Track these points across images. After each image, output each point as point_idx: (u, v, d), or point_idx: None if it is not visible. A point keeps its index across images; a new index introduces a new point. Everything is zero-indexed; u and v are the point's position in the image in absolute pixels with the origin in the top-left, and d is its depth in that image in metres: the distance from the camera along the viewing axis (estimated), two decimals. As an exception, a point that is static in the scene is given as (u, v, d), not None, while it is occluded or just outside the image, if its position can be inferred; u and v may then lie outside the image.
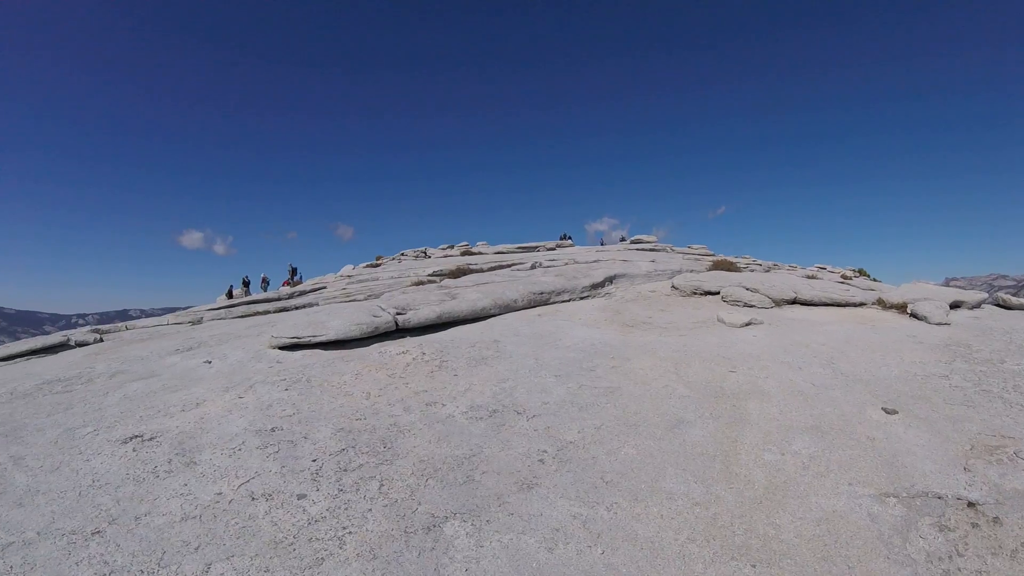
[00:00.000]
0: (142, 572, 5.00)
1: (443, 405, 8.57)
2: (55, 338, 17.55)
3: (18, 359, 16.27)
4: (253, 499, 5.94)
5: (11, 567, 5.32)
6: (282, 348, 11.98)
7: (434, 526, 5.71)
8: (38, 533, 5.73)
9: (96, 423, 8.11)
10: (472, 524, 5.77)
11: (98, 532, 5.59)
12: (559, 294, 18.23)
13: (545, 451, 7.24)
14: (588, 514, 6.00)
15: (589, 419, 8.09)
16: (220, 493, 6.08)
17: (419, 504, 6.05)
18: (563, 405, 8.55)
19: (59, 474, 6.83)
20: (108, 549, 5.33)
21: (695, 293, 18.77)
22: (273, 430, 7.48)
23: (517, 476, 6.68)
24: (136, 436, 7.50)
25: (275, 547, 5.24)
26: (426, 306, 14.34)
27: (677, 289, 19.40)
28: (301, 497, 6.02)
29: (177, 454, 6.99)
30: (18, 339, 22.49)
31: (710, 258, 29.05)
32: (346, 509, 5.90)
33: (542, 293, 17.78)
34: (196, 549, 5.21)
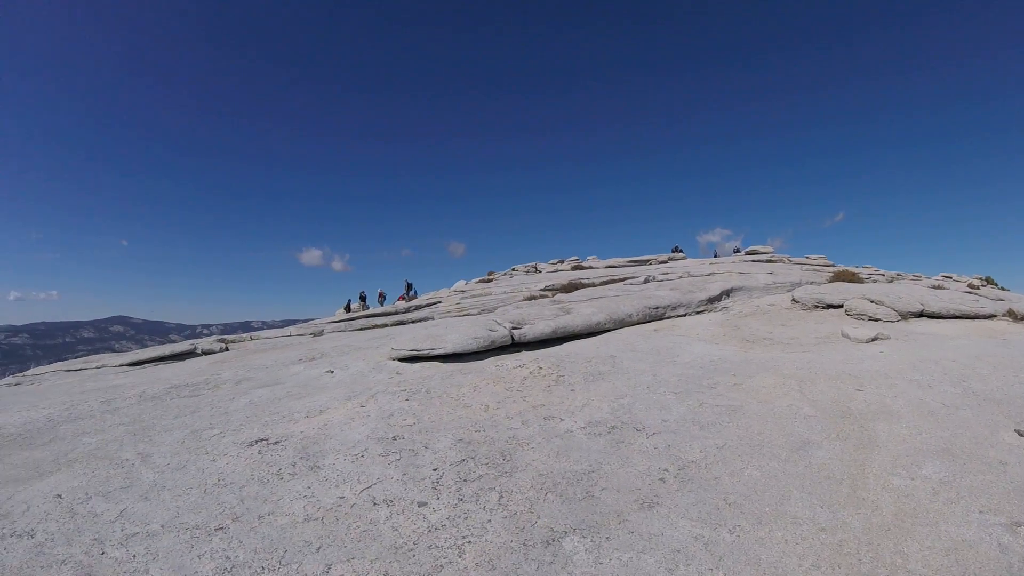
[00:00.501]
0: (263, 568, 4.96)
1: (561, 420, 8.30)
2: (183, 346, 18.35)
3: (147, 364, 17.10)
4: (375, 504, 5.86)
5: (134, 555, 5.45)
6: (401, 360, 12.09)
7: (553, 540, 5.44)
8: (162, 526, 5.85)
9: (222, 426, 8.32)
10: (591, 540, 5.46)
11: (221, 528, 5.65)
12: (674, 308, 17.69)
13: (666, 470, 6.85)
14: (710, 536, 5.58)
15: (711, 438, 7.63)
16: (343, 497, 6.04)
17: (538, 518, 5.79)
18: (683, 423, 8.12)
19: (185, 472, 6.99)
20: (231, 545, 5.37)
21: (816, 306, 17.77)
22: (394, 438, 7.45)
23: (637, 494, 6.33)
24: (261, 440, 7.64)
25: (395, 552, 5.10)
26: (541, 320, 14.17)
27: (797, 303, 18.45)
28: (422, 505, 5.88)
29: (301, 458, 7.05)
30: (145, 346, 23.75)
31: (830, 269, 27.48)
32: (466, 519, 5.71)
33: (657, 308, 17.29)
34: (318, 550, 5.14)
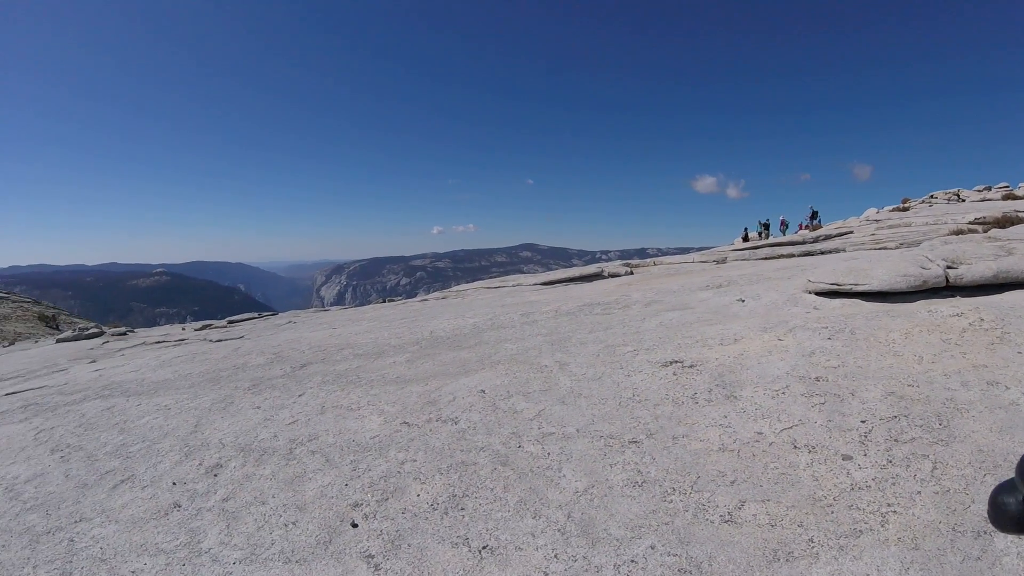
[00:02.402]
0: (674, 490, 4.87)
1: (1006, 388, 6.82)
2: (590, 269, 19.45)
3: (557, 284, 18.43)
4: (795, 448, 5.42)
5: (548, 453, 5.78)
6: (818, 294, 11.11)
7: (984, 532, 4.50)
8: (577, 430, 6.13)
9: (635, 344, 8.52)
10: (1028, 546, 4.43)
11: (635, 442, 5.71)
12: None
13: None
14: None
15: None
16: (760, 433, 5.68)
17: (972, 502, 4.79)
18: None
19: (600, 383, 7.28)
20: (642, 460, 5.38)
21: None
22: (817, 379, 6.82)
23: None
24: (676, 361, 7.61)
25: (812, 503, 4.64)
26: (979, 261, 11.86)
27: None
28: (846, 458, 5.27)
29: (717, 385, 6.83)
30: (550, 269, 25.70)
31: None
32: (893, 484, 4.98)
33: None
34: (731, 483, 4.89)
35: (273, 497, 5.89)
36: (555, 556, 4.27)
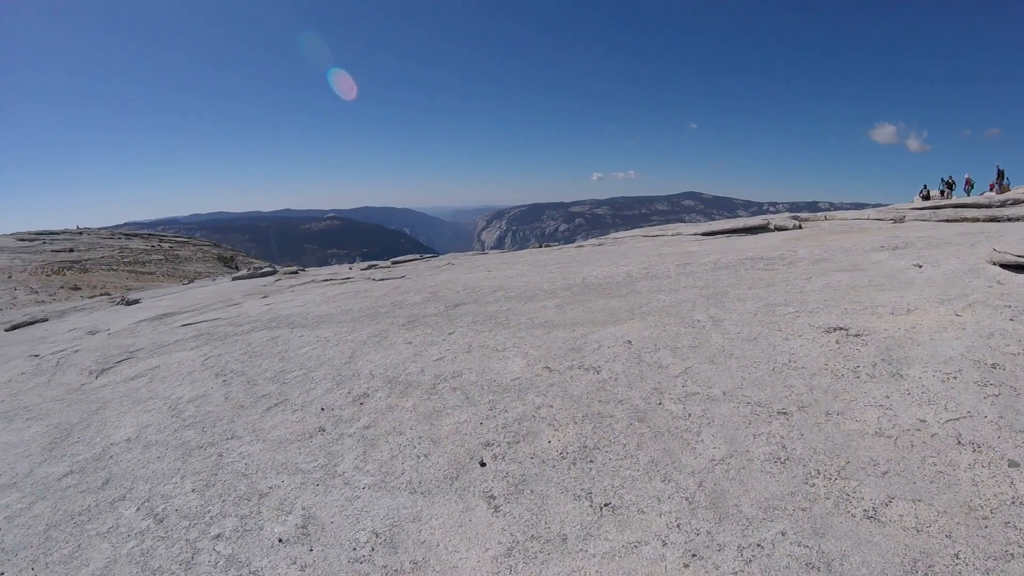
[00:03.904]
0: (819, 472, 4.50)
1: None
2: (755, 220, 18.47)
3: (720, 235, 17.64)
4: (959, 443, 4.75)
5: (690, 414, 5.58)
6: (1004, 266, 9.79)
7: None
8: (723, 393, 5.84)
9: (797, 305, 7.91)
10: None
11: (784, 413, 5.34)
12: None
13: None
14: None
15: None
16: (923, 421, 5.06)
17: None
18: None
19: (755, 345, 6.85)
20: (789, 434, 5.02)
21: None
22: (993, 366, 5.93)
23: None
24: (840, 328, 6.96)
25: (966, 512, 4.00)
26: None
27: None
28: (1013, 465, 4.51)
29: (883, 360, 6.16)
30: (713, 220, 24.67)
31: None
32: (1062, 506, 4.24)
33: None
34: (882, 474, 4.40)
35: (411, 429, 6.07)
36: (677, 526, 4.09)
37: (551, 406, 6.11)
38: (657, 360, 6.82)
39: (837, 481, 4.37)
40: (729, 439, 5.04)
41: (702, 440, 5.09)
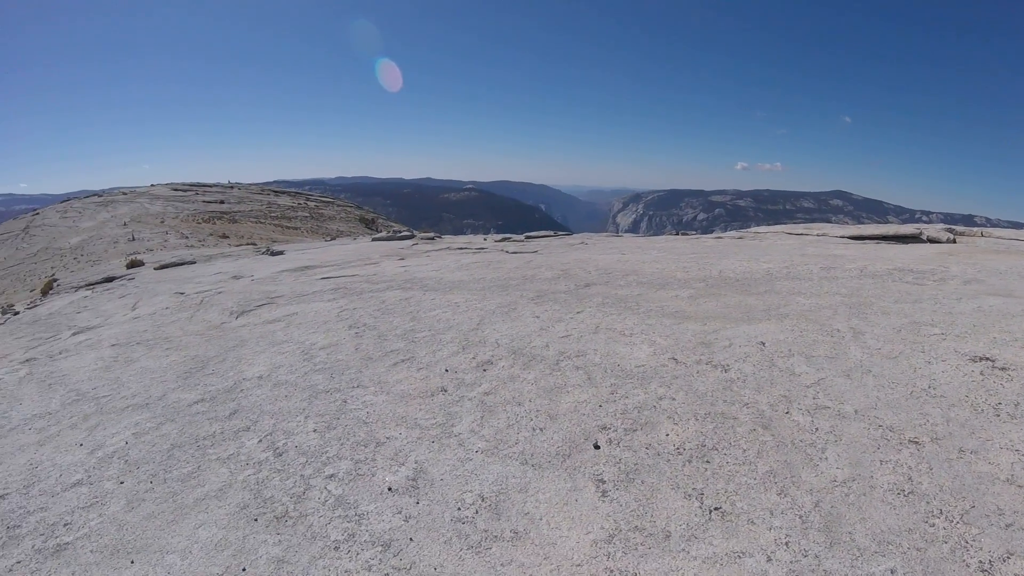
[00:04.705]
0: (941, 512, 4.32)
1: None
2: (907, 228, 17.47)
3: (867, 240, 16.80)
4: None
5: (816, 429, 5.39)
6: None
7: None
8: (855, 411, 5.67)
9: (944, 327, 7.44)
10: None
11: (915, 442, 5.13)
12: None
13: None
14: None
15: None
16: None
17: None
18: None
19: (895, 364, 6.54)
20: (918, 466, 4.81)
21: None
22: None
23: None
24: (986, 358, 6.49)
25: None
26: None
27: None
28: None
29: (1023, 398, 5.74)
30: (862, 223, 23.46)
31: None
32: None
33: None
34: (1006, 527, 4.13)
35: (530, 401, 6.22)
36: (786, 543, 4.06)
37: (673, 399, 6.14)
38: (790, 366, 6.66)
39: (959, 525, 4.19)
40: (854, 461, 4.91)
41: (826, 458, 4.98)
